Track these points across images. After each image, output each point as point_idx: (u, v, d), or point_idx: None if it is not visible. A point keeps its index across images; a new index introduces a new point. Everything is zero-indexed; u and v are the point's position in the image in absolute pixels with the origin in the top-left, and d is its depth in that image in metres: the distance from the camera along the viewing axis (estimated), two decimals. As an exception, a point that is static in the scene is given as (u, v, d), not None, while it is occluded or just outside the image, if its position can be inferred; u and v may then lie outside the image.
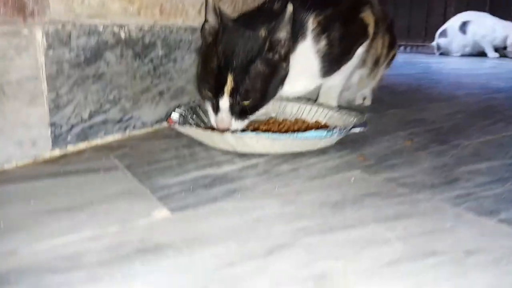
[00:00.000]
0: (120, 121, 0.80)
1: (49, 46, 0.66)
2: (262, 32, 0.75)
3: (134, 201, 0.53)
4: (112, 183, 0.59)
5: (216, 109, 0.74)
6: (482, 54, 3.43)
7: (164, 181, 0.59)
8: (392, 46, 1.16)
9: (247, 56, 0.73)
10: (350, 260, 0.39)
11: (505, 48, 3.32)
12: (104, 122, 0.78)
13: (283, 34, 0.76)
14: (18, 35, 0.62)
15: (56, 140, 0.70)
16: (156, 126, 0.89)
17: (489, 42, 3.33)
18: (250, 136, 0.65)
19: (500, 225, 0.47)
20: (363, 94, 1.19)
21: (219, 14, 0.76)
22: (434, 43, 3.70)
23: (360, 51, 0.95)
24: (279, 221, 0.47)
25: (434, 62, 2.92)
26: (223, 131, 0.70)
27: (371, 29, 0.96)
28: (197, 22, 0.93)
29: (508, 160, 0.70)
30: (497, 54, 3.33)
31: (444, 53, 3.63)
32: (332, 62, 0.88)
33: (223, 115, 0.73)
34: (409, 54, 3.84)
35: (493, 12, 3.58)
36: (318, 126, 0.83)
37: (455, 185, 0.58)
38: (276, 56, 0.77)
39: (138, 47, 0.81)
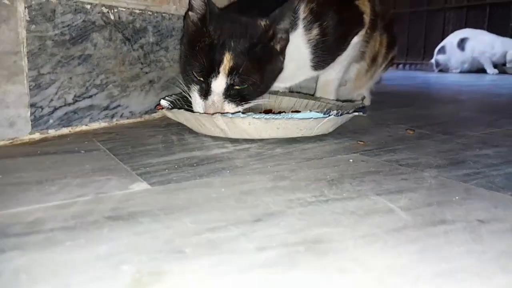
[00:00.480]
0: (107, 108, 0.76)
1: (32, 20, 0.63)
2: (263, 21, 0.71)
3: (112, 176, 0.48)
4: (91, 161, 0.54)
5: (206, 92, 0.69)
6: (481, 70, 3.42)
7: (147, 161, 0.55)
8: (391, 46, 1.13)
9: (247, 39, 0.69)
10: (349, 227, 0.34)
11: (504, 64, 3.31)
12: (90, 107, 0.73)
13: (285, 24, 0.72)
14: (-3, 5, 0.58)
15: (37, 122, 0.66)
16: (146, 117, 0.84)
17: (488, 58, 3.33)
18: (242, 117, 0.61)
19: (515, 198, 0.42)
20: (361, 94, 1.15)
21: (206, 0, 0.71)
22: (432, 60, 3.70)
23: (356, 40, 0.89)
24: (270, 193, 0.42)
25: (433, 77, 2.91)
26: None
27: (366, 17, 0.91)
28: (191, 12, 0.90)
29: (517, 147, 0.66)
30: (496, 71, 3.32)
31: (443, 69, 3.62)
32: (324, 53, 0.83)
33: (215, 98, 0.68)
34: (408, 71, 3.84)
35: (491, 29, 3.59)
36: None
37: (462, 166, 0.54)
38: (277, 47, 0.73)
39: (128, 31, 0.77)
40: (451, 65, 3.55)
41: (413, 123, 0.86)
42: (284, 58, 0.76)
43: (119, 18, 0.75)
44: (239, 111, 0.67)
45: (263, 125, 0.63)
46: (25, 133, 0.65)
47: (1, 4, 0.59)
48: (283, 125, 0.63)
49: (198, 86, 0.70)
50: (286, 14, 0.72)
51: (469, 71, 3.48)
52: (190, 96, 0.74)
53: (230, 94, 0.69)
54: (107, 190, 0.43)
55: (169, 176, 0.48)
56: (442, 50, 3.59)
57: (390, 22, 1.14)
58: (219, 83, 0.67)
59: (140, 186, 0.45)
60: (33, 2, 0.62)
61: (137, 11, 0.78)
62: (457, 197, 0.42)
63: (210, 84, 0.68)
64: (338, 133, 0.74)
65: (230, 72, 0.67)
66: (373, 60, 1.06)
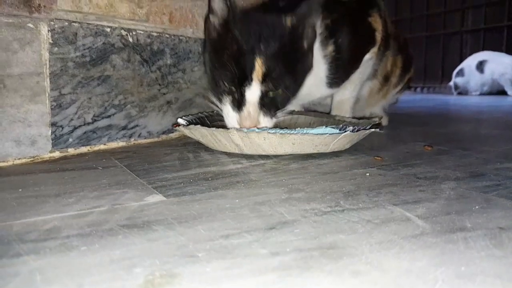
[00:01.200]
0: (125, 128, 0.78)
1: (54, 43, 0.65)
2: (290, 17, 0.69)
3: (129, 189, 0.48)
4: (108, 177, 0.55)
5: (240, 103, 0.66)
6: (501, 92, 3.37)
7: (163, 176, 0.55)
8: (406, 68, 1.13)
9: (276, 39, 0.66)
10: (364, 234, 0.34)
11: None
12: (108, 127, 0.75)
13: (312, 20, 0.71)
14: (23, 28, 0.61)
15: (57, 141, 0.68)
16: (163, 137, 0.86)
17: (508, 80, 3.28)
18: (257, 131, 0.61)
19: (539, 207, 0.40)
20: (374, 112, 1.15)
21: (228, 0, 0.69)
22: (451, 83, 3.67)
23: (368, 57, 0.90)
24: (285, 204, 0.42)
25: (452, 99, 2.88)
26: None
27: (378, 34, 0.91)
28: (207, 35, 0.93)
29: (541, 161, 0.64)
30: (517, 92, 3.26)
31: (462, 92, 3.58)
32: (339, 70, 0.83)
33: (250, 109, 0.64)
34: (426, 94, 3.81)
35: (510, 51, 3.56)
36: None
37: (482, 178, 0.52)
38: (305, 45, 0.72)
39: (146, 53, 0.80)
40: (470, 87, 3.51)
41: (431, 140, 0.84)
42: (312, 56, 0.75)
43: (137, 40, 0.78)
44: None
45: (278, 140, 0.63)
46: (46, 152, 0.66)
47: (26, 27, 0.62)
48: (298, 140, 0.63)
49: (230, 97, 0.68)
50: (314, 9, 0.70)
51: (489, 93, 3.43)
52: (221, 110, 0.72)
53: (265, 103, 0.67)
54: (123, 202, 0.43)
55: (184, 189, 0.48)
56: (461, 73, 3.57)
57: (404, 44, 1.15)
58: (253, 91, 0.65)
59: (155, 198, 0.45)
60: (56, 26, 0.65)
61: (155, 34, 0.81)
62: (477, 207, 0.41)
63: (244, 93, 0.65)
64: (354, 149, 0.73)
65: (264, 78, 0.64)
66: (386, 79, 1.06)
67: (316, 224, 0.36)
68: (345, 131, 0.63)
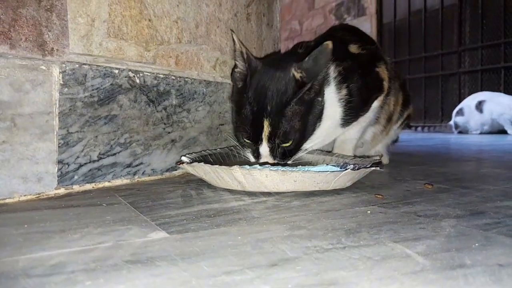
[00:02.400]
0: (129, 165, 0.79)
1: (65, 84, 0.68)
2: (294, 71, 0.76)
3: (132, 226, 0.49)
4: (112, 213, 0.56)
5: (257, 155, 0.76)
6: (501, 131, 3.40)
7: (166, 213, 0.56)
8: (406, 105, 1.16)
9: (281, 98, 0.74)
10: (365, 270, 0.34)
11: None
12: (113, 165, 0.77)
13: (317, 68, 0.75)
14: (36, 70, 0.64)
15: (63, 178, 0.69)
16: (167, 174, 0.87)
17: (507, 119, 3.32)
18: (259, 169, 0.63)
19: (538, 245, 0.41)
20: (378, 152, 1.16)
21: (246, 59, 0.78)
22: (451, 122, 3.71)
23: (376, 105, 0.95)
24: (287, 241, 0.43)
25: (452, 138, 2.90)
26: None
27: (386, 84, 0.98)
28: (212, 76, 0.96)
29: (540, 199, 0.64)
30: (517, 131, 3.29)
31: (462, 131, 3.61)
32: (352, 111, 0.88)
33: (266, 159, 0.75)
34: (427, 133, 3.84)
35: (508, 92, 3.62)
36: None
37: (482, 216, 0.53)
38: (312, 92, 0.77)
39: (153, 94, 0.83)
40: (470, 127, 3.55)
41: (431, 179, 0.85)
42: (323, 97, 0.80)
43: (144, 82, 0.81)
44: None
45: (280, 177, 0.64)
46: (51, 188, 0.68)
47: (39, 69, 0.65)
48: (300, 178, 0.64)
49: (249, 149, 0.79)
50: (321, 59, 0.74)
51: (490, 133, 3.46)
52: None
53: (278, 153, 0.75)
54: (127, 238, 0.44)
55: (187, 226, 0.49)
56: (461, 112, 3.61)
57: (403, 82, 1.19)
58: (264, 148, 0.75)
59: (159, 234, 0.46)
60: (67, 68, 0.68)
61: (161, 76, 0.84)
62: (476, 244, 0.41)
63: (258, 149, 0.75)
64: (355, 187, 0.74)
65: (270, 138, 0.74)
66: (388, 120, 1.09)
67: (318, 261, 0.37)
68: (346, 169, 0.65)
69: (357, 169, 0.66)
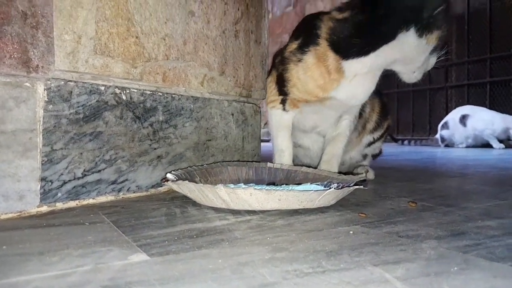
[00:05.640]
0: (114, 182, 0.79)
1: (49, 101, 0.68)
2: None
3: (113, 247, 0.49)
4: (94, 233, 0.55)
5: None
6: (487, 145, 3.45)
7: (148, 233, 0.55)
8: (384, 114, 1.17)
9: None
10: (343, 297, 0.34)
11: (509, 139, 3.35)
12: (98, 182, 0.76)
13: None
14: (20, 87, 0.64)
15: (45, 195, 0.68)
16: (152, 190, 0.86)
17: (490, 134, 3.37)
18: (243, 188, 0.63)
19: (515, 269, 0.41)
20: (353, 157, 1.18)
21: None
22: (437, 135, 3.76)
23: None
24: (268, 265, 0.43)
25: (439, 152, 2.93)
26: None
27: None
28: (199, 92, 0.97)
29: (521, 219, 0.65)
30: (502, 145, 3.34)
31: (448, 144, 3.66)
32: None
33: None
34: (414, 147, 3.88)
35: (493, 106, 3.69)
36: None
37: (463, 237, 0.54)
38: None
39: (139, 110, 0.83)
40: (455, 140, 3.59)
41: (416, 196, 0.86)
42: None
43: (130, 98, 0.81)
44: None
45: (264, 196, 0.64)
46: (34, 206, 0.67)
47: (23, 86, 0.64)
48: (284, 196, 0.64)
49: None
50: None
51: (474, 146, 3.51)
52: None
53: None
54: (106, 261, 0.44)
55: (168, 248, 0.48)
56: (446, 126, 3.67)
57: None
58: None
59: (139, 257, 0.45)
60: (52, 85, 0.68)
61: (148, 92, 0.84)
62: (455, 268, 0.41)
63: None
64: (340, 205, 0.74)
65: None
66: (363, 127, 1.12)
67: (297, 286, 0.37)
68: (330, 188, 0.65)
69: (341, 188, 0.67)
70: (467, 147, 3.53)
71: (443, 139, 3.69)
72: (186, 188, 0.70)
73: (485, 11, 3.77)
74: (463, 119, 3.50)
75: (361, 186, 0.70)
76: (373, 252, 0.47)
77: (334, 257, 0.45)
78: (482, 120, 3.39)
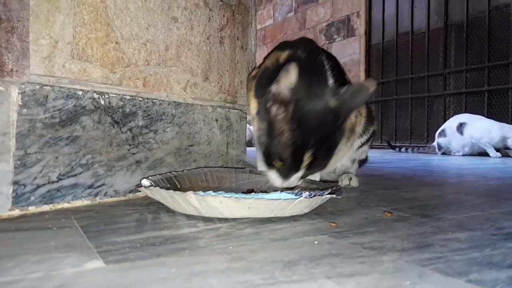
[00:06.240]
0: (91, 186, 0.79)
1: (24, 105, 0.68)
2: (331, 100, 0.76)
3: (72, 254, 0.49)
4: (58, 238, 0.55)
5: (286, 176, 0.76)
6: (484, 154, 3.44)
7: (112, 240, 0.55)
8: (369, 119, 1.17)
9: (323, 131, 0.75)
10: (284, 310, 0.34)
11: (507, 148, 3.34)
12: (74, 186, 0.76)
13: (354, 104, 0.79)
14: (-8, 91, 0.64)
15: (18, 199, 0.68)
16: (130, 195, 0.86)
17: (487, 143, 3.37)
18: (213, 195, 0.63)
19: (467, 284, 0.41)
20: (344, 167, 1.18)
21: (296, 90, 0.74)
22: (434, 143, 3.75)
23: None
24: (220, 275, 0.42)
25: (436, 160, 2.93)
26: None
27: None
28: (182, 97, 0.97)
29: (492, 231, 0.65)
30: (499, 154, 3.33)
31: (445, 152, 3.65)
32: None
33: (294, 181, 0.77)
34: (411, 154, 3.87)
35: (491, 114, 3.68)
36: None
37: (427, 250, 0.53)
38: (340, 121, 0.79)
39: (118, 115, 0.83)
40: (452, 148, 3.59)
41: (395, 206, 0.86)
42: (344, 130, 0.84)
43: (109, 103, 0.81)
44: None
45: (234, 204, 0.64)
46: (5, 210, 0.67)
47: (-4, 90, 0.65)
48: (254, 204, 0.64)
49: (274, 170, 0.77)
50: (359, 98, 0.77)
51: (471, 154, 3.50)
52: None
53: (304, 176, 0.78)
54: (61, 267, 0.44)
55: (127, 255, 0.48)
56: (443, 134, 3.66)
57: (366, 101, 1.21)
58: (298, 174, 0.76)
59: (95, 264, 0.45)
60: (27, 89, 0.68)
61: (128, 97, 0.85)
62: (408, 282, 0.41)
63: (290, 174, 0.76)
64: (315, 213, 0.74)
65: (308, 167, 0.76)
66: (351, 131, 1.11)
67: (242, 298, 0.36)
68: (300, 197, 0.65)
69: (313, 197, 0.66)
70: (464, 155, 3.52)
71: (440, 147, 3.68)
72: (159, 195, 0.70)
73: (484, 20, 3.77)
74: (460, 127, 3.49)
75: (334, 195, 0.70)
76: (330, 264, 0.46)
77: (289, 268, 0.45)
78: (480, 128, 3.38)
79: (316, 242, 0.56)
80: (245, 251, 0.51)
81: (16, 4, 0.66)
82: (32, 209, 0.70)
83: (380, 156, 3.05)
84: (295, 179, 0.76)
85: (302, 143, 0.74)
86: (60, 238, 0.55)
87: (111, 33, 0.80)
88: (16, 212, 0.68)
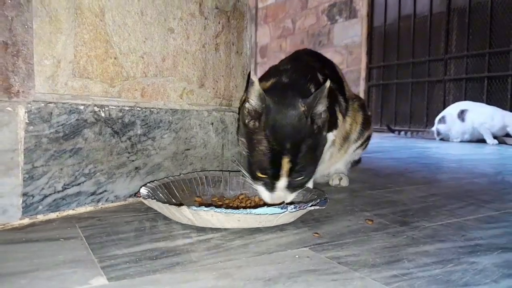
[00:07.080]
0: (93, 193, 0.85)
1: (30, 122, 0.73)
2: (302, 108, 0.82)
3: (79, 269, 0.55)
4: (66, 252, 0.61)
5: (272, 188, 0.82)
6: (482, 140, 3.48)
7: (115, 252, 0.62)
8: (366, 125, 1.22)
9: (297, 135, 0.80)
10: (258, 333, 0.40)
11: (507, 135, 3.38)
12: (78, 194, 0.82)
13: (321, 107, 0.84)
14: (2, 111, 0.69)
15: (27, 209, 0.74)
16: (130, 200, 0.93)
17: (487, 129, 3.41)
18: (205, 210, 0.69)
19: (422, 305, 0.47)
20: (338, 171, 1.23)
21: (264, 98, 0.81)
22: (433, 129, 3.79)
23: (331, 138, 1.03)
24: (207, 293, 0.49)
25: (434, 147, 2.98)
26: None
27: (340, 122, 1.08)
28: (179, 104, 1.01)
29: (461, 242, 0.71)
30: (496, 141, 3.37)
31: (444, 138, 3.70)
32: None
33: (281, 193, 0.81)
34: (410, 139, 3.92)
35: (490, 101, 3.71)
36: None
37: (395, 265, 0.59)
38: (316, 127, 0.84)
39: (117, 125, 0.88)
40: (451, 135, 3.63)
41: (378, 211, 0.92)
42: (326, 131, 0.90)
43: (109, 115, 0.86)
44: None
45: (224, 217, 0.70)
46: (16, 219, 0.73)
47: (4, 111, 0.70)
48: (242, 218, 0.70)
49: (261, 183, 0.83)
50: (323, 95, 0.82)
51: (470, 141, 3.55)
52: (252, 184, 0.86)
53: (292, 186, 0.82)
54: (68, 285, 0.50)
55: (127, 271, 0.55)
56: (443, 120, 3.69)
57: (363, 103, 1.25)
58: (282, 183, 0.81)
59: (99, 281, 0.51)
60: (32, 108, 0.73)
61: (127, 108, 0.89)
62: (370, 303, 0.47)
63: (275, 184, 0.81)
64: (301, 220, 0.80)
65: (290, 173, 0.80)
66: (345, 139, 1.17)
67: (224, 320, 0.43)
68: (286, 210, 0.71)
69: (298, 209, 0.72)
70: (462, 141, 3.57)
71: (438, 133, 3.72)
72: (156, 206, 0.76)
73: (487, 6, 3.75)
74: (462, 114, 3.53)
75: (317, 207, 0.75)
76: (306, 282, 0.52)
77: (269, 286, 0.51)
78: (482, 114, 3.42)
79: (297, 256, 0.62)
80: (232, 267, 0.57)
81: (20, 29, 0.71)
82: (40, 217, 0.76)
83: (378, 143, 3.10)
84: (281, 191, 0.81)
85: (278, 149, 0.79)
86: (67, 251, 0.61)
87: (110, 49, 0.84)
88: (26, 220, 0.74)
